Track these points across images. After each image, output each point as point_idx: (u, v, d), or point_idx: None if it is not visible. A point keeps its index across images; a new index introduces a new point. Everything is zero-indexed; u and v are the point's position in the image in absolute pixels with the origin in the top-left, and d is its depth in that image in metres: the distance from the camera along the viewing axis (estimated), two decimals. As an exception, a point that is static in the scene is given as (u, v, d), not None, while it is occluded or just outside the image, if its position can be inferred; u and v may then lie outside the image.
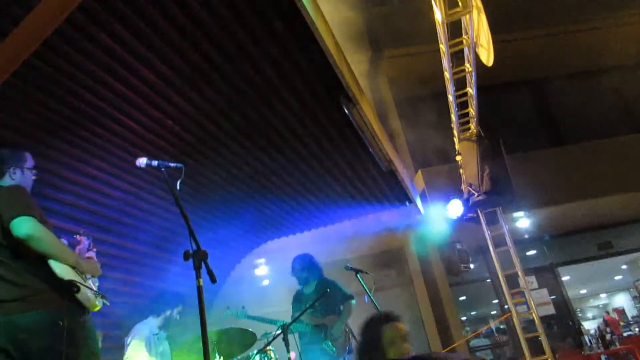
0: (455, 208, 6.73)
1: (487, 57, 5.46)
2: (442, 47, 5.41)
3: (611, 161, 8.41)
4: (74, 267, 2.33)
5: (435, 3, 4.99)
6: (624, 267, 13.18)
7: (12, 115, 2.87)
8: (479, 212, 6.93)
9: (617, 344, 8.55)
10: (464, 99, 6.35)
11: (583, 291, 15.96)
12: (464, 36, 5.48)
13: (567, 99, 10.04)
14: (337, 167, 4.69)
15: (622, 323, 12.93)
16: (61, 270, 2.24)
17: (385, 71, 9.62)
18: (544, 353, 6.65)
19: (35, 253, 2.20)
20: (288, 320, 4.32)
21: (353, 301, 4.73)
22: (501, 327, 10.09)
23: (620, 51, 9.56)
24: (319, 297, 4.32)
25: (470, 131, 6.78)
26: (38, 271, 2.22)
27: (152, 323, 3.95)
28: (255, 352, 3.73)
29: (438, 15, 5.06)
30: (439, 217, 6.88)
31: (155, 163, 2.30)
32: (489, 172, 6.69)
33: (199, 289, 1.94)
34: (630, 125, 9.78)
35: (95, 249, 2.67)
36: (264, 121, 3.79)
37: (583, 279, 13.09)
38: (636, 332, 11.69)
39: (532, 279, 8.35)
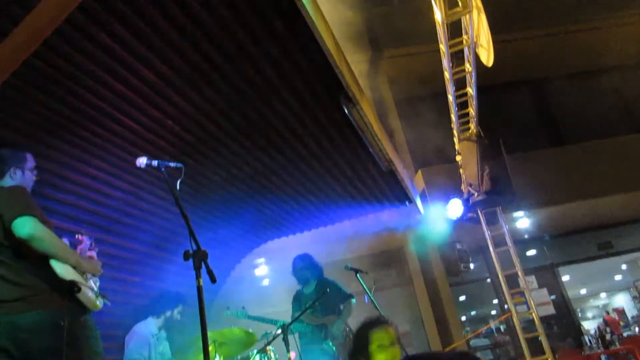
0: (455, 208, 6.73)
1: (487, 57, 5.46)
2: (442, 47, 5.41)
3: (611, 161, 8.41)
4: (75, 267, 2.33)
5: (435, 3, 4.99)
6: (624, 267, 13.18)
7: (12, 115, 2.87)
8: (479, 212, 6.93)
9: (617, 344, 8.55)
10: (464, 99, 6.35)
11: (583, 291, 15.95)
12: (464, 36, 5.48)
13: (567, 99, 10.04)
14: (337, 167, 4.69)
15: (622, 323, 12.94)
16: (62, 270, 2.24)
17: (385, 71, 9.62)
18: (544, 353, 6.65)
19: (36, 253, 2.20)
20: (288, 320, 4.32)
21: (353, 300, 4.74)
22: (501, 327, 10.09)
23: (620, 51, 9.56)
24: (319, 297, 4.33)
25: (470, 131, 6.78)
26: (39, 271, 2.23)
27: (152, 323, 3.96)
28: (255, 352, 3.73)
29: (438, 15, 5.06)
30: (439, 217, 6.88)
31: (155, 163, 2.31)
32: (489, 172, 6.69)
33: (199, 289, 1.94)
34: (630, 125, 9.78)
35: (96, 249, 2.67)
36: (264, 121, 3.79)
37: (583, 279, 13.09)
38: (636, 332, 11.69)
39: (532, 279, 8.36)
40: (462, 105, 6.48)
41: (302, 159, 4.42)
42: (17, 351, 2.12)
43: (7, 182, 2.47)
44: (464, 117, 6.63)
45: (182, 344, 3.77)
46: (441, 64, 5.84)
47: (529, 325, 7.59)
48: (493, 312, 11.42)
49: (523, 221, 8.75)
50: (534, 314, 6.81)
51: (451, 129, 6.84)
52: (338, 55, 3.33)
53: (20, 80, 2.64)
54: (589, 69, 10.02)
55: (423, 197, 7.05)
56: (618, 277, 14.38)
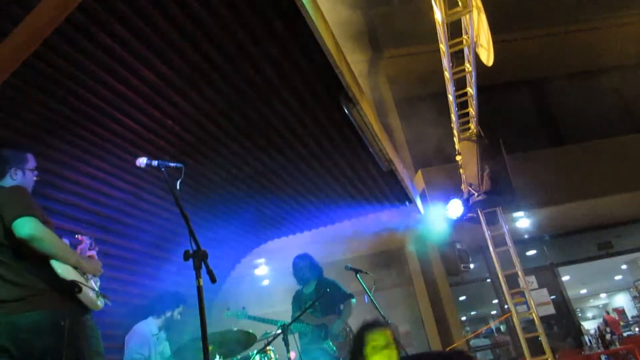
0: (455, 208, 6.73)
1: (487, 57, 5.46)
2: (442, 47, 5.41)
3: (611, 161, 8.41)
4: (75, 267, 2.33)
5: (435, 3, 4.99)
6: (624, 267, 13.18)
7: (12, 115, 2.87)
8: (479, 212, 6.93)
9: (617, 344, 8.55)
10: (464, 98, 6.35)
11: (583, 291, 15.96)
12: (464, 36, 5.48)
13: (567, 99, 10.04)
14: (337, 167, 4.69)
15: (622, 323, 12.93)
16: (63, 270, 2.24)
17: (385, 71, 9.62)
18: (544, 353, 6.65)
19: (37, 253, 2.20)
20: (288, 320, 4.32)
21: (353, 300, 4.74)
22: (501, 327, 10.10)
23: (620, 51, 9.55)
24: (319, 297, 4.33)
25: (470, 131, 6.78)
26: (40, 271, 2.23)
27: (152, 323, 3.96)
28: (255, 352, 3.72)
29: (438, 15, 5.06)
30: (439, 217, 6.88)
31: (155, 163, 2.30)
32: (489, 172, 6.68)
33: (199, 289, 1.94)
34: (630, 125, 9.78)
35: (96, 248, 2.67)
36: (264, 121, 3.79)
37: (583, 279, 13.09)
38: (636, 332, 11.69)
39: (532, 279, 8.35)
40: (462, 105, 6.48)
41: (302, 159, 4.42)
42: (18, 351, 2.12)
43: (8, 182, 2.47)
44: (464, 117, 6.63)
45: (182, 344, 3.77)
46: (441, 64, 5.85)
47: (529, 325, 7.60)
48: (493, 312, 11.43)
49: (523, 221, 8.75)
50: (534, 314, 6.81)
51: (451, 129, 6.85)
52: (338, 55, 3.33)
53: (20, 80, 2.64)
54: (589, 69, 10.02)
55: (423, 197, 7.06)
56: (618, 277, 14.39)
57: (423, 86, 8.44)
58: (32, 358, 2.13)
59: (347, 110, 3.69)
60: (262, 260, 7.73)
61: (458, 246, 7.29)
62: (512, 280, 7.08)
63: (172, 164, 2.36)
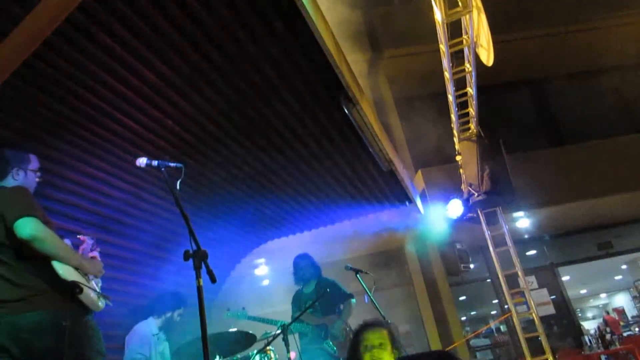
0: (455, 208, 6.73)
1: (487, 57, 5.46)
2: (442, 47, 5.42)
3: (611, 161, 8.41)
4: (77, 268, 2.33)
5: (435, 3, 4.99)
6: (624, 267, 13.18)
7: (12, 115, 2.87)
8: (478, 212, 6.93)
9: (617, 344, 8.54)
10: (464, 98, 6.35)
11: (583, 291, 15.97)
12: (464, 36, 5.48)
13: (567, 99, 10.05)
14: (337, 167, 4.69)
15: (622, 323, 12.94)
16: (64, 271, 2.24)
17: (385, 71, 9.62)
18: (544, 353, 6.65)
19: (38, 254, 2.20)
20: (288, 320, 4.32)
21: (353, 300, 4.73)
22: (501, 327, 10.09)
23: (620, 51, 9.55)
24: (319, 297, 4.33)
25: (470, 131, 6.78)
26: (41, 272, 2.23)
27: (152, 323, 3.96)
28: (255, 352, 3.72)
29: (438, 15, 5.06)
30: (439, 217, 6.88)
31: (155, 163, 2.30)
32: (489, 172, 6.69)
33: (199, 289, 1.94)
34: (630, 125, 9.78)
35: (98, 249, 2.67)
36: (264, 121, 3.79)
37: (583, 279, 13.09)
38: (636, 332, 11.69)
39: (532, 279, 8.36)
40: (462, 105, 6.48)
41: (302, 159, 4.42)
42: (18, 351, 2.12)
43: (10, 182, 2.48)
44: (464, 117, 6.63)
45: (182, 345, 3.77)
46: (441, 64, 5.85)
47: (529, 325, 7.60)
48: (493, 312, 11.44)
49: (523, 221, 8.75)
50: (534, 314, 6.81)
51: (451, 129, 6.85)
52: (338, 55, 3.33)
53: (20, 80, 2.64)
54: (589, 69, 10.03)
55: (423, 197, 7.06)
56: (618, 277, 14.39)
57: (423, 86, 8.45)
58: (32, 358, 2.13)
59: (347, 110, 3.69)
60: (262, 260, 7.73)
61: (458, 246, 7.30)
62: (512, 280, 7.08)
63: (172, 164, 2.35)
